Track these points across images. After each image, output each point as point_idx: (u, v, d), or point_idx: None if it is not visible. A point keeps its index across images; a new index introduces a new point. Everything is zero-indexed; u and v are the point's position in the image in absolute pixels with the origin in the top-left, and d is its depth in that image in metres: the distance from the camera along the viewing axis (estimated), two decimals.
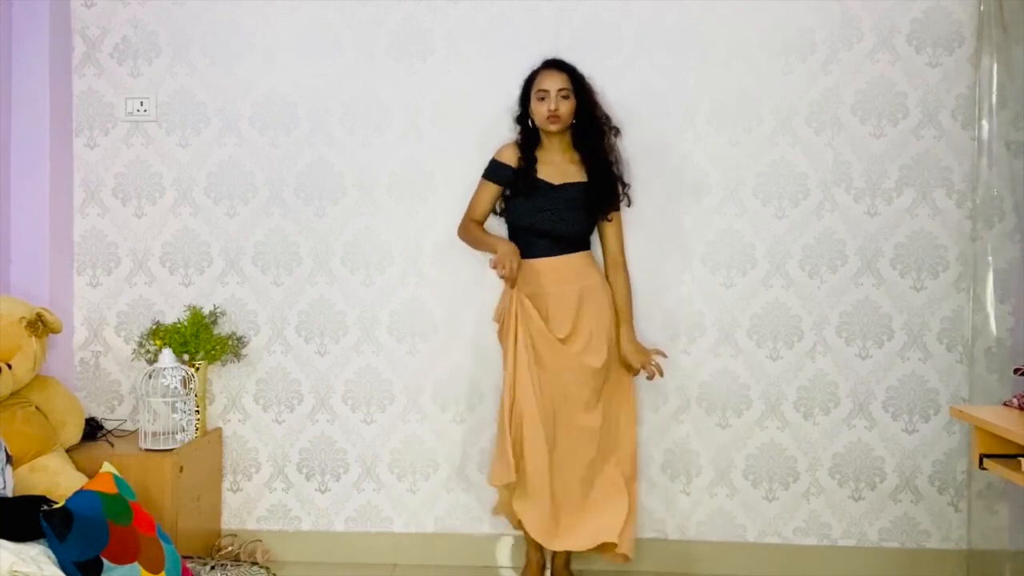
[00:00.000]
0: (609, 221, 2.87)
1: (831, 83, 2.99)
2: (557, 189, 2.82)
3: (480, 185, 2.91)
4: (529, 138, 2.88)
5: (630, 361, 2.84)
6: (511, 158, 2.86)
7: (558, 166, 2.85)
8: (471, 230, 2.90)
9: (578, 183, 2.84)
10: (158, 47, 3.12)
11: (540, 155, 2.87)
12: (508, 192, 2.87)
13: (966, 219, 2.98)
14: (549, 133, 2.84)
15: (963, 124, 2.96)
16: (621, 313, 2.86)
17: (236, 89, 3.11)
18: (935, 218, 2.98)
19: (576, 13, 3.01)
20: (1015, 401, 2.31)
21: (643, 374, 2.85)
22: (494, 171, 2.88)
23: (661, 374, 2.84)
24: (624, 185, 2.90)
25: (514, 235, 2.87)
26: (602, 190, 2.84)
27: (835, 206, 3.00)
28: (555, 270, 2.81)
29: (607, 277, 2.90)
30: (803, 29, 2.99)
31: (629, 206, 2.93)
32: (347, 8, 3.09)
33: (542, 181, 2.83)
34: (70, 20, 3.13)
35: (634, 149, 2.98)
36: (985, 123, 2.91)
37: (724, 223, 3.03)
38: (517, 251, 2.74)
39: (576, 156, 2.88)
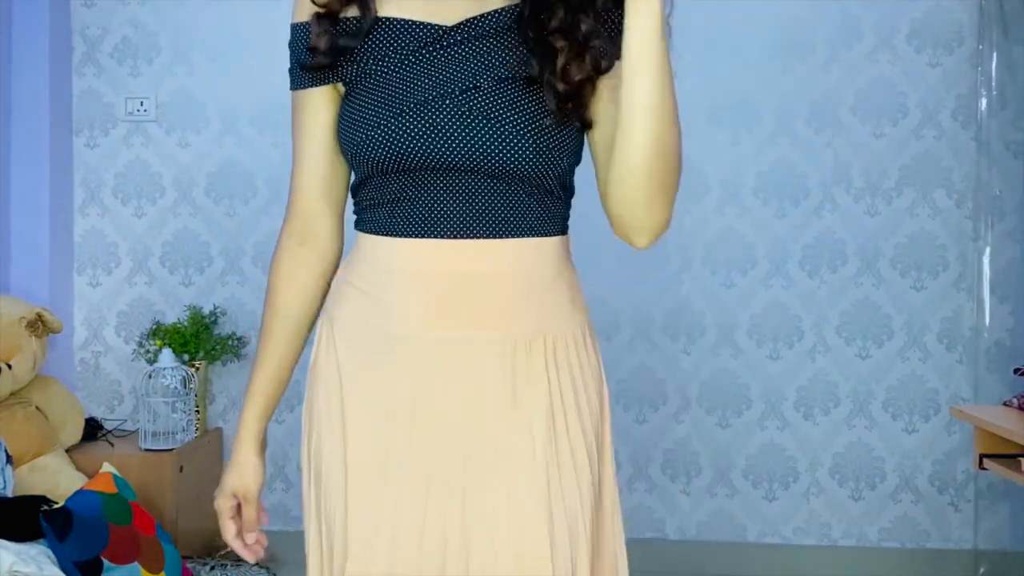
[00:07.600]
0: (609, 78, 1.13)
1: (831, 83, 2.98)
2: (455, 36, 1.14)
3: (292, 113, 1.32)
4: None
5: None
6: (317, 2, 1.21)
7: None
8: (271, 293, 1.29)
9: (505, 9, 1.13)
10: (158, 47, 3.12)
11: None
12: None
13: (966, 219, 2.97)
14: None
15: (963, 124, 2.96)
16: None
17: (236, 89, 3.11)
18: (935, 218, 2.98)
19: None
20: (1015, 401, 2.31)
21: None
22: (294, 52, 1.32)
23: None
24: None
25: (360, 192, 1.22)
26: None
27: (835, 206, 3.00)
28: (450, 289, 1.12)
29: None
30: (803, 29, 2.99)
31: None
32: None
33: (408, 23, 1.16)
34: (70, 20, 3.13)
35: None
36: (985, 123, 2.91)
37: (724, 223, 3.02)
38: (248, 499, 1.29)
39: None
